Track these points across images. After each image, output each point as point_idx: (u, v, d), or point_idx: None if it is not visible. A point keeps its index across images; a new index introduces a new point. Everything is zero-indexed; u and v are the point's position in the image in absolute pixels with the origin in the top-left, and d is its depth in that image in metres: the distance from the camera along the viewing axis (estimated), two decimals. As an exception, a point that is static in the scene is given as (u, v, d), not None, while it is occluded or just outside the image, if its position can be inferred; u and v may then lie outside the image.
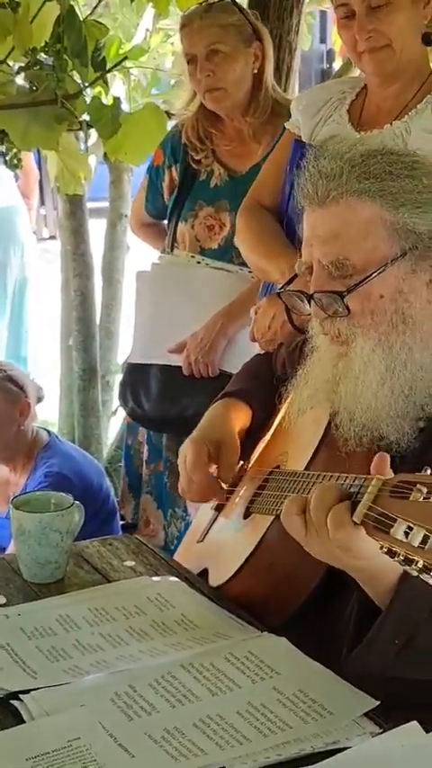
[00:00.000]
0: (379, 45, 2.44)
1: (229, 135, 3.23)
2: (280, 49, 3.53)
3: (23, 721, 1.49)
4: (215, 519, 2.08)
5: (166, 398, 3.20)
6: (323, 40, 11.82)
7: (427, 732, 1.40)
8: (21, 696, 1.54)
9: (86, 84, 2.96)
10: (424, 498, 1.34)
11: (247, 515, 1.94)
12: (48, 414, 5.04)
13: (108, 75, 3.26)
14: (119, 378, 3.62)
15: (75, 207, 4.69)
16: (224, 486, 2.03)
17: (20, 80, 3.01)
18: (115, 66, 3.14)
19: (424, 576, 1.33)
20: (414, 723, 1.41)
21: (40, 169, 6.69)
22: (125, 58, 3.40)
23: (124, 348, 4.41)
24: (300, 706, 1.50)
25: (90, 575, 1.99)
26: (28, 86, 2.99)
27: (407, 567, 1.35)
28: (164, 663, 1.62)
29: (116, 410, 5.03)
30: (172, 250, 3.34)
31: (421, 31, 2.48)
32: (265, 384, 2.13)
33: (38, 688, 1.56)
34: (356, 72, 2.84)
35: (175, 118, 3.42)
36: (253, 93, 3.14)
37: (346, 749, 1.40)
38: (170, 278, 3.31)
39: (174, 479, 3.23)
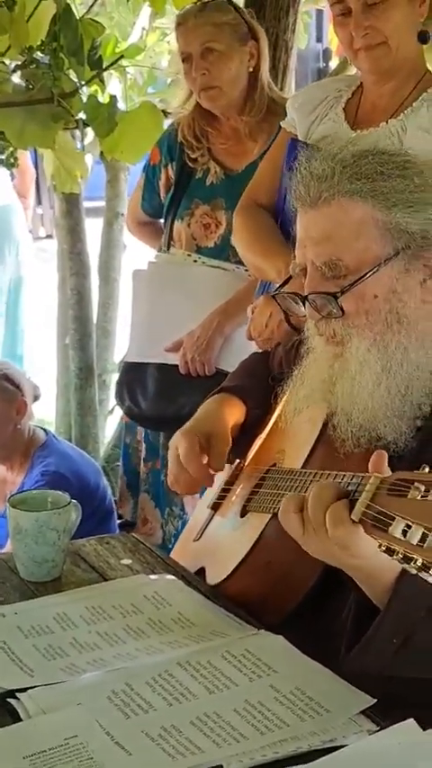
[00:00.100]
0: (375, 42, 2.44)
1: (225, 133, 3.23)
2: (276, 47, 3.53)
3: (20, 719, 1.49)
4: (212, 517, 2.08)
5: (163, 397, 3.20)
6: (319, 39, 11.81)
7: (424, 730, 1.40)
8: (18, 694, 1.54)
9: (83, 83, 2.96)
10: (422, 496, 1.34)
11: (243, 514, 1.94)
12: (44, 413, 5.04)
13: (104, 74, 3.26)
14: (115, 376, 3.62)
15: (71, 206, 4.69)
16: (213, 473, 2.02)
17: (16, 78, 3.01)
18: (111, 64, 3.15)
19: (423, 574, 1.33)
20: (411, 721, 1.41)
21: (36, 168, 6.69)
22: (121, 56, 3.40)
23: (121, 347, 4.41)
24: (297, 704, 1.50)
25: (87, 573, 1.99)
26: (24, 85, 2.99)
27: (405, 566, 1.35)
28: (161, 661, 1.62)
29: (113, 409, 5.03)
30: (168, 248, 3.34)
31: (417, 28, 2.48)
32: (262, 382, 2.13)
33: (35, 686, 1.56)
34: (353, 71, 2.84)
35: (172, 116, 3.42)
36: (248, 92, 3.14)
37: (342, 747, 1.40)
38: (167, 276, 3.31)
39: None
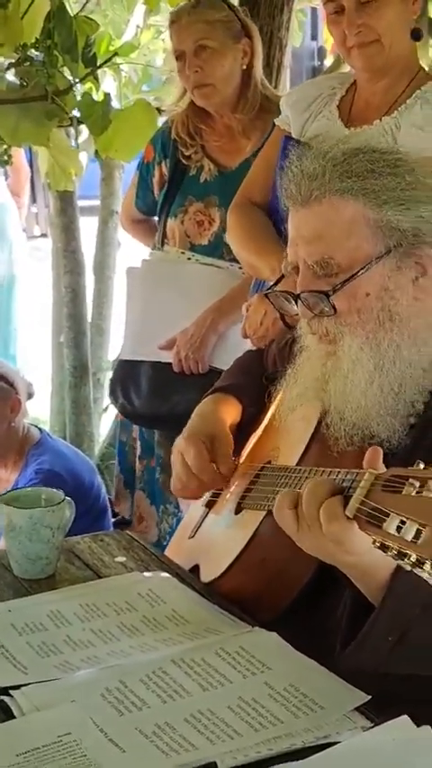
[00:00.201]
0: (368, 40, 2.45)
1: (219, 131, 3.23)
2: (270, 45, 3.54)
3: (14, 717, 1.48)
4: (206, 515, 2.08)
5: (157, 395, 3.20)
6: (314, 37, 11.82)
7: (418, 726, 1.40)
8: (11, 692, 1.53)
9: (77, 81, 2.96)
10: (417, 492, 1.34)
11: (238, 511, 1.94)
12: (39, 411, 5.03)
13: (99, 72, 3.26)
14: (110, 375, 3.62)
15: (66, 204, 4.69)
16: (225, 479, 2.01)
17: (10, 76, 3.01)
18: (105, 62, 3.15)
19: (417, 570, 1.33)
20: (405, 717, 1.41)
21: (31, 167, 6.68)
22: (115, 54, 3.40)
23: (116, 345, 4.41)
24: (291, 701, 1.49)
25: (81, 571, 1.99)
26: (18, 82, 2.99)
27: (400, 562, 1.35)
28: (155, 658, 1.62)
29: (107, 407, 5.03)
30: (162, 246, 3.34)
31: (410, 26, 2.49)
32: (256, 380, 2.13)
33: (28, 683, 1.56)
34: (347, 69, 2.85)
35: (166, 114, 3.42)
36: (242, 90, 3.14)
37: (336, 744, 1.39)
38: (160, 274, 3.31)
39: (165, 476, 3.23)
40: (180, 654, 1.62)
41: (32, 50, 2.92)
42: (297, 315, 1.78)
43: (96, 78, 3.27)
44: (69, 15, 2.87)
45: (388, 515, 1.35)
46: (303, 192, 1.70)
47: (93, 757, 1.38)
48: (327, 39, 6.78)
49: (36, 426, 3.45)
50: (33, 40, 2.87)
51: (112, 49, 4.13)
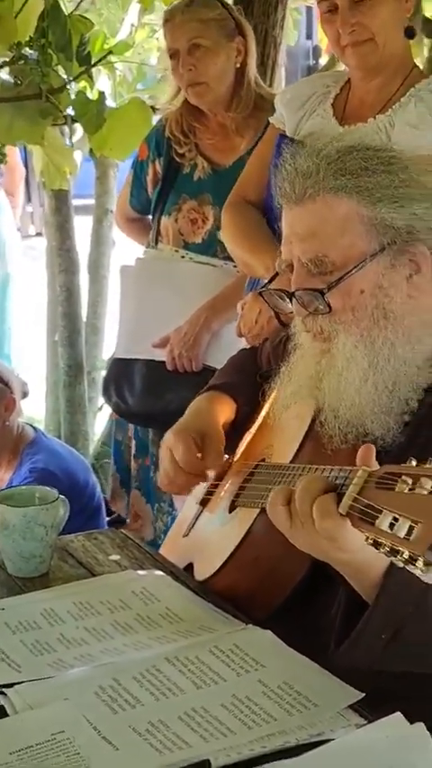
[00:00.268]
0: (362, 39, 2.45)
1: (213, 129, 3.23)
2: (265, 43, 3.54)
3: (7, 715, 1.48)
4: (200, 513, 2.08)
5: (150, 393, 3.19)
6: (309, 37, 11.82)
7: (411, 723, 1.40)
8: (4, 690, 1.53)
9: (71, 79, 2.96)
10: (410, 489, 1.34)
11: (232, 509, 1.94)
12: (34, 410, 5.03)
13: (93, 71, 3.25)
14: (105, 374, 3.61)
15: (60, 203, 4.69)
16: (211, 474, 2.01)
17: (4, 74, 3.00)
18: (100, 60, 3.14)
19: (410, 567, 1.33)
20: (398, 714, 1.41)
21: (26, 166, 6.68)
22: (110, 52, 3.39)
23: (110, 344, 4.41)
24: (284, 698, 1.49)
25: (75, 569, 1.98)
26: (12, 81, 2.98)
27: (392, 558, 1.35)
28: (148, 656, 1.62)
29: (102, 406, 5.02)
30: (156, 244, 3.34)
31: (404, 24, 2.49)
32: (250, 378, 2.13)
33: (22, 682, 1.56)
34: (342, 67, 2.85)
35: (160, 112, 3.41)
36: (235, 88, 3.14)
37: (330, 741, 1.39)
38: (154, 272, 3.31)
39: (159, 475, 3.23)
40: (174, 652, 1.62)
41: (27, 49, 2.91)
42: (291, 313, 1.78)
43: (91, 77, 3.26)
44: (63, 14, 2.86)
45: (381, 512, 1.35)
46: (297, 189, 1.70)
47: (86, 755, 1.38)
48: (322, 38, 6.78)
49: (30, 425, 3.44)
50: (27, 39, 2.86)
51: (106, 47, 4.13)
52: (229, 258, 3.04)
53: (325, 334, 1.72)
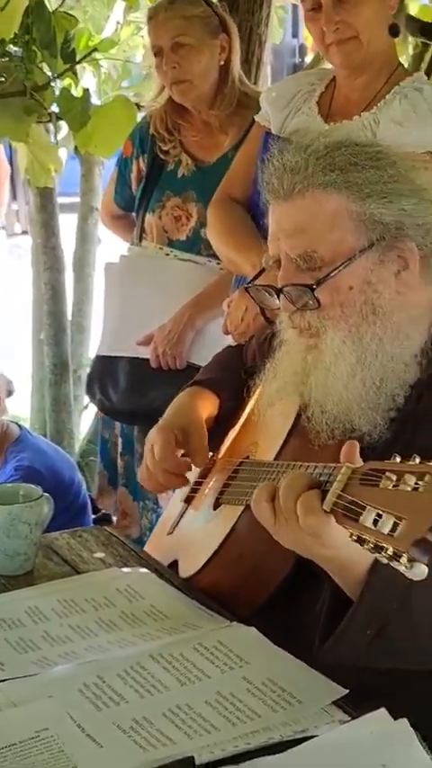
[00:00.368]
0: (346, 37, 2.45)
1: (197, 126, 3.23)
2: (249, 41, 3.53)
3: (-9, 713, 1.48)
4: (185, 510, 2.08)
5: (134, 391, 3.19)
6: (295, 35, 11.83)
7: (395, 719, 1.40)
8: (-12, 688, 1.53)
9: (56, 76, 2.96)
10: (393, 486, 1.34)
11: (216, 506, 1.94)
12: (19, 409, 5.02)
13: (78, 68, 3.26)
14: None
15: (45, 200, 4.68)
16: (195, 470, 2.01)
17: (-12, 71, 3.00)
18: (84, 57, 3.14)
19: (394, 564, 1.33)
20: (382, 710, 1.41)
21: (11, 164, 6.66)
22: (94, 49, 3.39)
23: (96, 342, 4.41)
24: (269, 695, 1.49)
25: (59, 566, 1.98)
26: (-4, 78, 2.98)
27: (376, 555, 1.34)
28: (133, 653, 1.61)
29: (87, 404, 5.02)
30: (140, 241, 3.33)
31: (388, 22, 2.50)
32: (235, 375, 2.12)
33: (6, 679, 1.55)
34: (327, 65, 2.85)
35: (145, 110, 3.41)
36: (219, 85, 3.13)
37: (314, 737, 1.39)
38: (138, 270, 3.31)
39: (144, 471, 3.22)
40: (158, 649, 1.62)
41: (11, 46, 2.91)
42: (277, 309, 1.78)
43: (76, 74, 3.27)
44: (48, 11, 2.87)
45: (365, 509, 1.35)
46: (286, 185, 1.70)
47: (70, 752, 1.38)
48: (307, 36, 6.78)
49: (16, 423, 3.44)
50: (12, 36, 2.86)
51: (91, 44, 4.13)
52: (213, 256, 3.04)
53: (312, 329, 1.71)
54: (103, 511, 3.78)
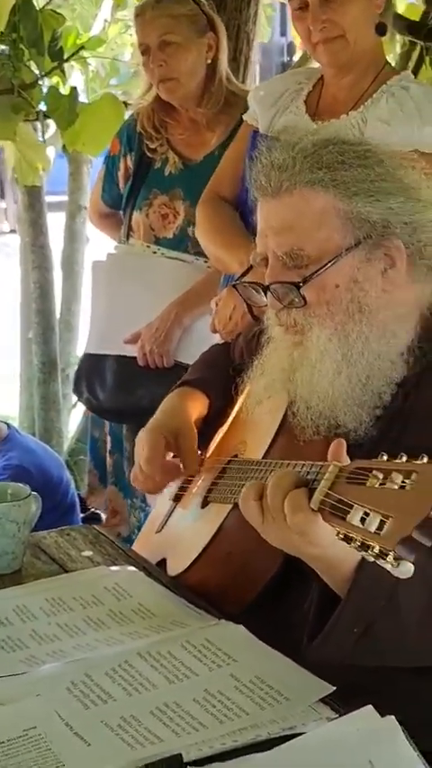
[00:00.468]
0: (333, 35, 2.45)
1: (184, 124, 3.23)
2: (237, 39, 3.53)
3: (-21, 711, 1.48)
4: (174, 509, 2.08)
5: (122, 389, 3.19)
6: (283, 33, 11.83)
7: (382, 716, 1.40)
8: (-24, 687, 1.53)
9: (43, 74, 2.96)
10: (380, 484, 1.34)
11: (205, 505, 1.94)
12: (8, 407, 5.02)
13: (66, 66, 3.26)
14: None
15: (33, 199, 4.68)
16: (186, 473, 2.01)
17: (-24, 70, 2.99)
18: (72, 55, 3.14)
19: (380, 562, 1.33)
20: (369, 707, 1.41)
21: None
22: (82, 47, 3.39)
23: (84, 341, 4.41)
24: (256, 692, 1.49)
25: (47, 565, 1.98)
26: (-16, 76, 2.97)
27: (363, 553, 1.35)
28: (120, 651, 1.61)
29: (76, 403, 5.02)
30: (128, 239, 3.33)
31: (375, 21, 2.50)
32: (223, 373, 2.12)
33: (-7, 678, 1.55)
34: (315, 64, 2.85)
35: (132, 108, 3.41)
36: (206, 84, 3.13)
37: (302, 734, 1.40)
38: (126, 268, 3.31)
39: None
40: (146, 647, 1.62)
41: (-2, 43, 2.91)
42: (265, 306, 1.78)
43: (63, 72, 3.26)
44: (35, 9, 2.86)
45: (352, 507, 1.35)
46: (273, 183, 1.70)
47: (58, 751, 1.38)
48: (296, 34, 6.79)
49: (4, 422, 3.44)
50: (-1, 34, 2.86)
51: (79, 42, 4.12)
52: (200, 254, 3.04)
53: (298, 327, 1.72)
54: (93, 509, 3.78)
